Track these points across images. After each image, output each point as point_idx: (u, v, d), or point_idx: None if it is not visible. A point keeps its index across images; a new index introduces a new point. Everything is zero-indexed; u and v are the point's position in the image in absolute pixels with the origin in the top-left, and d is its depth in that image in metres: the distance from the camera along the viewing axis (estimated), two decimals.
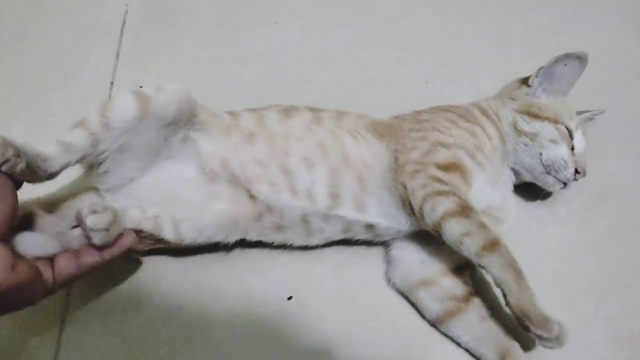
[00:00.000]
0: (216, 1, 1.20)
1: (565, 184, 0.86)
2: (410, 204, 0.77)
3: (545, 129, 0.86)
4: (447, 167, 0.78)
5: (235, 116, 0.85)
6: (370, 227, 0.82)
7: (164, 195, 0.79)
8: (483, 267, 0.72)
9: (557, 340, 0.69)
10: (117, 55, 1.13)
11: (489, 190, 0.84)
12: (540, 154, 0.86)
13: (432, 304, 0.81)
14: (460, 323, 0.80)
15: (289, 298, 0.86)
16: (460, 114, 0.88)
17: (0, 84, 1.08)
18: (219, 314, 0.84)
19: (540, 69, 0.89)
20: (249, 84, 1.09)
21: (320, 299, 0.86)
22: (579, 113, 0.92)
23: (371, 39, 1.15)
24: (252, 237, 0.84)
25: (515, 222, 0.88)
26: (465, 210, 0.73)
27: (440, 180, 0.76)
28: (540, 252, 0.90)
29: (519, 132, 0.87)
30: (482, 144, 0.84)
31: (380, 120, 0.89)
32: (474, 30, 1.17)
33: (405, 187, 0.78)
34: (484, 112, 0.90)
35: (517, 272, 0.71)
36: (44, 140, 0.97)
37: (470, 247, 0.72)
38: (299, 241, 0.85)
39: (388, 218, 0.81)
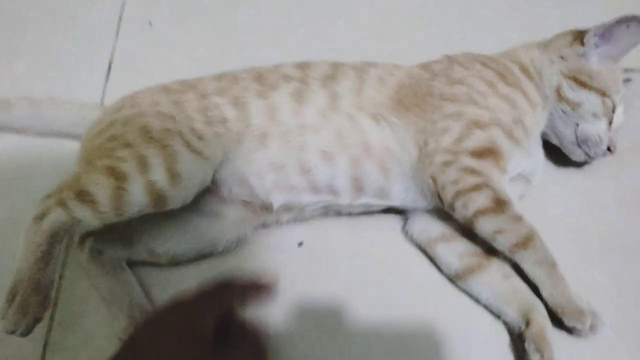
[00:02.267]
0: None
1: (592, 158, 0.82)
2: (439, 196, 0.73)
3: (590, 100, 0.79)
4: (481, 154, 0.73)
5: (242, 110, 0.77)
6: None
7: None
8: (521, 265, 0.71)
9: (591, 330, 0.69)
10: None
11: (524, 162, 0.79)
12: (577, 125, 0.80)
13: (452, 259, 0.78)
14: (481, 279, 0.76)
15: (300, 244, 0.83)
16: (500, 72, 0.81)
17: (6, 23, 1.04)
18: (230, 259, 0.81)
19: (598, 27, 0.79)
20: (260, 31, 1.04)
21: (335, 252, 0.83)
22: None
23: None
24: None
25: (542, 175, 0.84)
26: (499, 205, 0.70)
27: (473, 172, 0.72)
28: (566, 206, 0.86)
29: (561, 97, 0.80)
30: (523, 115, 0.78)
31: (407, 85, 0.80)
32: None
33: (435, 181, 0.73)
34: (525, 71, 0.83)
35: (551, 266, 0.70)
36: (48, 79, 0.99)
37: (503, 244, 0.71)
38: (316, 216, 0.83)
39: (413, 202, 0.78)
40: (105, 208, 0.66)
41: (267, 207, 0.78)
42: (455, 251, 0.78)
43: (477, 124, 0.75)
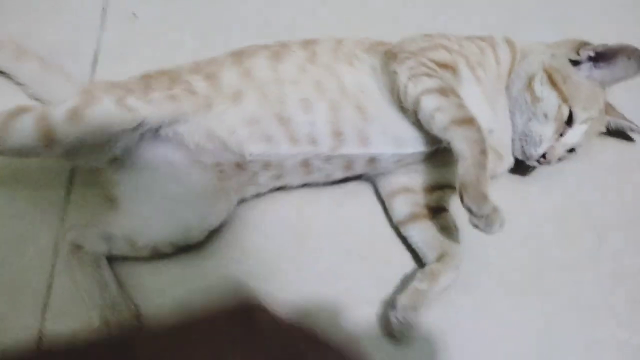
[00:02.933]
0: None
1: (527, 158, 0.83)
2: (398, 89, 0.75)
3: (550, 100, 0.80)
4: (441, 65, 0.77)
5: (213, 80, 0.78)
6: (372, 160, 0.81)
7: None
8: (449, 142, 0.72)
9: (485, 220, 0.68)
10: None
11: (488, 111, 0.81)
12: (530, 119, 0.82)
13: (404, 208, 0.83)
14: (420, 226, 0.81)
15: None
16: (482, 36, 0.86)
17: None
18: (215, 246, 0.83)
19: (600, 45, 0.80)
20: (247, 18, 1.04)
21: (319, 234, 0.85)
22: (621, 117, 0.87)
23: None
24: (247, 195, 0.84)
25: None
26: (445, 90, 0.73)
27: (429, 67, 0.75)
28: (542, 186, 0.89)
29: (529, 86, 0.82)
30: (487, 64, 0.82)
31: (385, 42, 0.85)
32: None
33: (395, 72, 0.76)
34: (509, 41, 0.87)
35: (480, 151, 0.70)
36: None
37: (439, 122, 0.72)
38: (297, 181, 0.84)
39: (391, 143, 0.79)
40: None
41: (239, 164, 0.78)
42: (409, 201, 0.83)
43: (445, 48, 0.80)
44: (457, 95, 0.74)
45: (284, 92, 0.77)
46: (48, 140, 0.69)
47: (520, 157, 0.84)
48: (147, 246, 0.78)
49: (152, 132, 0.75)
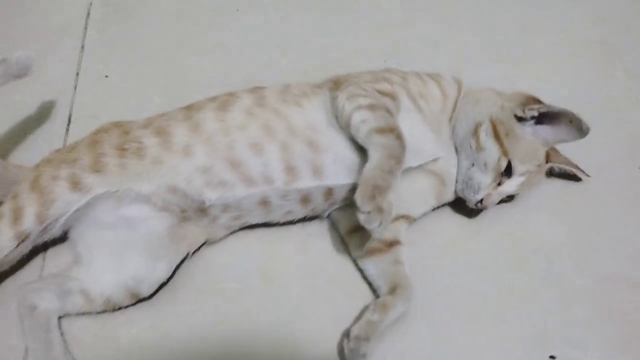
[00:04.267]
0: None
1: (466, 200, 0.88)
2: (337, 110, 0.81)
3: (491, 151, 0.85)
4: (382, 92, 0.83)
5: (164, 136, 0.82)
6: (328, 192, 0.84)
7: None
8: (369, 149, 0.76)
9: (365, 216, 0.72)
10: (82, 48, 1.15)
11: (432, 138, 0.86)
12: (473, 165, 0.87)
13: (359, 243, 0.87)
14: (376, 260, 0.86)
15: None
16: (429, 73, 0.92)
17: None
18: (187, 293, 0.87)
19: (545, 106, 0.83)
20: (209, 73, 1.11)
21: (286, 274, 0.89)
22: (566, 163, 0.91)
23: (328, 24, 1.18)
24: (210, 238, 0.88)
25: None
26: (374, 107, 0.79)
27: (367, 91, 0.82)
28: (492, 215, 0.93)
29: (475, 133, 0.87)
30: (431, 96, 0.87)
31: (330, 79, 0.90)
32: (425, 11, 1.20)
33: (337, 97, 0.82)
34: (455, 79, 0.93)
35: (390, 156, 0.74)
36: (11, 134, 1.04)
37: (363, 131, 0.77)
38: (258, 220, 0.88)
39: (344, 173, 0.82)
40: None
41: (202, 209, 0.82)
42: (365, 237, 0.86)
43: (387, 80, 0.86)
44: (389, 112, 0.79)
45: (233, 139, 0.81)
46: (21, 241, 0.77)
47: (460, 195, 0.89)
48: (100, 297, 0.80)
49: (109, 197, 0.80)
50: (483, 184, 0.85)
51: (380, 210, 0.71)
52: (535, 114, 0.84)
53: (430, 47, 1.15)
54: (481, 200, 0.86)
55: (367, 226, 0.72)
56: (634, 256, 0.90)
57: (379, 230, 0.73)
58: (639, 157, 1.02)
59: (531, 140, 0.86)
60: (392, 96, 0.83)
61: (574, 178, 0.97)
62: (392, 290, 0.82)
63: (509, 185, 0.86)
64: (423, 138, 0.85)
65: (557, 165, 0.92)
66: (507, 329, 0.83)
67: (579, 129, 0.81)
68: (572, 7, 1.20)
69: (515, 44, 1.15)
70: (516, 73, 1.10)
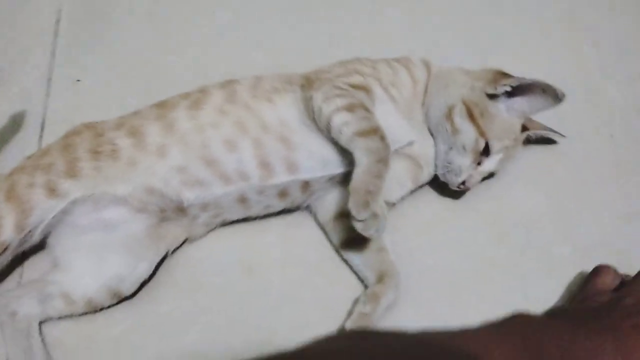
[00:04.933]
0: None
1: (449, 184, 0.88)
2: (313, 111, 0.80)
3: (468, 133, 0.85)
4: (354, 86, 0.82)
5: (137, 137, 0.81)
6: (305, 184, 0.84)
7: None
8: (353, 153, 0.76)
9: (361, 224, 0.73)
10: (53, 53, 1.14)
11: (406, 125, 0.86)
12: (451, 148, 0.87)
13: (341, 233, 0.86)
14: (356, 250, 0.85)
15: None
16: (398, 59, 0.92)
17: None
18: (167, 290, 0.86)
19: (516, 79, 0.83)
20: (186, 73, 1.10)
21: (267, 266, 0.89)
22: (540, 127, 0.92)
23: (300, 16, 1.18)
24: (191, 237, 0.88)
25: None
26: (353, 106, 0.78)
27: (342, 89, 0.80)
28: (469, 192, 0.93)
29: (449, 117, 0.86)
30: (401, 84, 0.87)
31: (303, 74, 0.90)
32: (398, 12, 1.20)
33: (311, 98, 0.81)
34: (424, 61, 0.93)
35: (377, 159, 0.74)
36: None
37: (345, 135, 0.76)
38: (237, 216, 0.88)
39: (318, 167, 0.83)
40: None
41: (180, 208, 0.82)
42: (344, 226, 0.85)
43: (358, 72, 0.85)
44: (366, 109, 0.79)
45: (207, 137, 0.81)
46: (1, 252, 0.76)
47: (442, 180, 0.89)
48: (82, 299, 0.80)
49: (85, 200, 0.80)
50: (464, 166, 0.86)
51: (375, 216, 0.72)
52: (508, 89, 0.84)
53: (403, 33, 1.15)
54: (463, 182, 0.86)
55: (365, 233, 0.73)
56: (612, 223, 0.91)
57: (377, 235, 0.74)
58: (610, 126, 1.03)
59: (506, 117, 0.86)
60: (366, 89, 0.83)
61: (550, 142, 0.98)
62: (380, 279, 0.82)
63: (489, 164, 0.87)
64: (397, 126, 0.85)
65: (532, 132, 0.93)
66: (490, 303, 0.82)
67: (554, 96, 0.81)
68: None
69: (486, 25, 1.15)
70: (488, 54, 1.10)
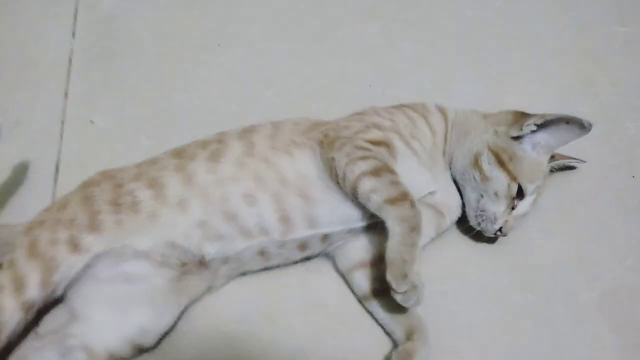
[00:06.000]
0: (157, 33, 1.21)
1: (484, 232, 0.87)
2: (337, 174, 0.79)
3: (499, 179, 0.84)
4: (375, 143, 0.81)
5: (157, 189, 0.80)
6: (325, 237, 0.84)
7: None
8: (385, 221, 0.75)
9: (401, 296, 0.72)
10: (66, 95, 1.14)
11: (427, 176, 0.85)
12: (482, 196, 0.86)
13: (364, 283, 0.85)
14: (383, 301, 0.83)
15: None
16: (413, 106, 0.90)
17: None
18: (188, 339, 0.85)
19: (539, 117, 0.83)
20: (196, 110, 1.10)
21: (288, 313, 0.87)
22: (560, 157, 0.91)
23: (310, 52, 1.18)
24: (212, 288, 0.86)
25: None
26: (378, 170, 0.77)
27: (364, 149, 0.79)
28: (484, 239, 0.92)
29: (476, 164, 0.86)
30: (421, 135, 0.86)
31: (321, 122, 0.89)
32: (406, 32, 1.20)
33: (334, 159, 0.79)
34: (440, 109, 0.92)
35: (411, 228, 0.73)
36: None
37: (374, 202, 0.76)
38: (258, 267, 0.87)
39: (339, 222, 0.83)
40: None
41: (202, 262, 0.81)
42: (368, 276, 0.85)
43: (377, 126, 0.84)
44: (392, 172, 0.78)
45: (226, 191, 0.80)
46: (27, 310, 0.75)
47: (477, 228, 0.87)
48: (105, 352, 0.78)
49: (107, 254, 0.78)
50: (498, 213, 0.85)
51: (414, 287, 0.72)
52: (534, 128, 0.83)
53: (414, 67, 1.15)
54: (500, 229, 0.85)
55: (405, 304, 0.73)
56: (636, 266, 0.90)
57: (416, 306, 0.74)
58: (631, 165, 1.02)
59: (534, 156, 0.85)
60: (387, 144, 0.82)
61: (569, 168, 0.97)
62: (409, 334, 0.80)
63: (523, 206, 0.85)
64: (419, 177, 0.84)
65: (555, 163, 0.92)
66: (519, 353, 0.81)
67: (579, 126, 0.81)
68: (555, 17, 1.21)
69: (500, 59, 1.15)
70: (502, 88, 1.10)
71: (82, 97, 1.13)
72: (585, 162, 0.95)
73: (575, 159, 0.94)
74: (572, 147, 0.87)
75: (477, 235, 0.89)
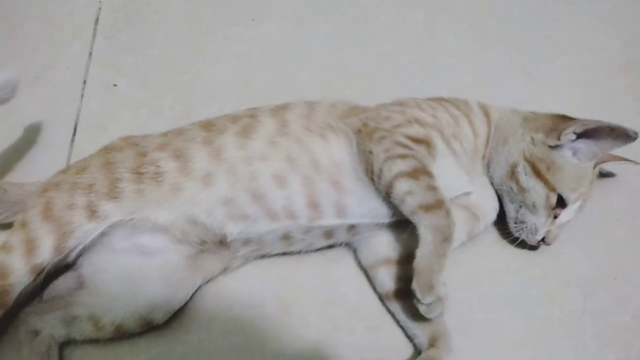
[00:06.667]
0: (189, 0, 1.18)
1: (527, 241, 0.84)
2: (372, 169, 0.76)
3: (537, 190, 0.80)
4: (416, 140, 0.77)
5: (183, 161, 0.77)
6: (352, 227, 0.81)
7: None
8: (417, 227, 0.72)
9: (425, 307, 0.71)
10: (90, 55, 1.10)
11: (465, 179, 0.82)
12: (520, 207, 0.83)
13: (387, 281, 0.81)
14: (405, 304, 0.79)
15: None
16: (455, 102, 0.86)
17: None
18: (199, 319, 0.81)
19: (579, 125, 0.78)
20: (223, 84, 1.06)
21: (304, 302, 0.84)
22: (611, 158, 0.86)
23: (349, 36, 1.14)
24: (229, 267, 0.83)
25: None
26: (417, 172, 0.73)
27: (404, 146, 0.76)
28: (526, 245, 0.87)
29: (513, 175, 0.82)
30: (463, 136, 0.82)
31: (360, 107, 0.85)
32: (450, 24, 1.16)
33: (371, 152, 0.76)
34: (483, 108, 0.87)
35: (443, 239, 0.71)
36: (11, 145, 0.98)
37: (409, 206, 0.72)
38: (278, 251, 0.84)
39: (369, 215, 0.79)
40: None
41: (223, 242, 0.78)
42: (393, 275, 0.81)
43: (418, 121, 0.80)
44: (430, 175, 0.74)
45: (256, 169, 0.77)
46: (37, 274, 0.73)
47: (519, 237, 0.84)
48: (111, 324, 0.76)
49: (124, 224, 0.76)
50: (539, 224, 0.81)
51: (439, 299, 0.70)
52: (573, 137, 0.79)
53: (455, 62, 1.10)
54: (543, 239, 0.82)
55: (428, 316, 0.71)
56: None
57: (440, 317, 0.73)
58: None
59: (576, 164, 0.80)
60: (428, 143, 0.78)
61: (609, 175, 0.93)
62: (433, 340, 0.76)
63: (567, 215, 0.81)
64: (456, 180, 0.81)
65: (601, 167, 0.88)
66: None
67: (624, 135, 0.76)
68: (604, 28, 1.16)
69: (544, 62, 1.10)
70: (543, 92, 1.06)
71: (107, 58, 1.10)
72: (639, 163, 0.89)
73: (628, 159, 0.88)
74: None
75: (520, 241, 0.85)
